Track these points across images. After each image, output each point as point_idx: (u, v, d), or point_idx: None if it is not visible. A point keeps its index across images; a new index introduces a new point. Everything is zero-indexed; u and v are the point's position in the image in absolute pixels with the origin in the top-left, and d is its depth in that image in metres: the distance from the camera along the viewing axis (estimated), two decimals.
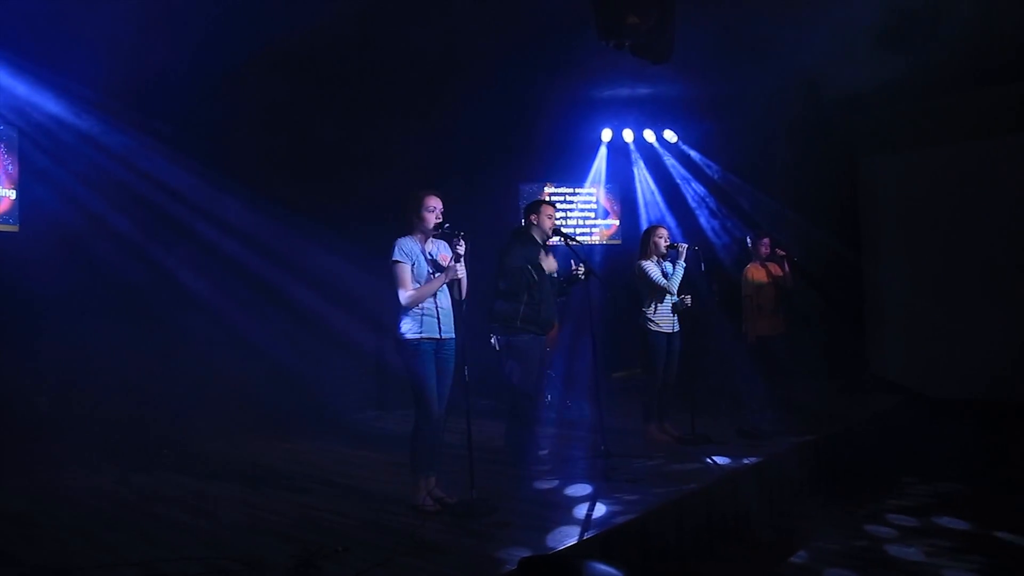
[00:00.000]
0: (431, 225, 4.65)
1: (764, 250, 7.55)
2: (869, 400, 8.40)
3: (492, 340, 5.64)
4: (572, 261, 5.70)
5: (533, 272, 5.47)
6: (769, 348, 7.42)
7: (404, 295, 4.55)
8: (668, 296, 6.44)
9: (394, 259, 4.58)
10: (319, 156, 8.06)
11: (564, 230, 5.83)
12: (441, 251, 4.77)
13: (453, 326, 4.72)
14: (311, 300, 7.63)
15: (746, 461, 5.61)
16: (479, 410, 5.23)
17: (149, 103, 6.65)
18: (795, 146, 9.38)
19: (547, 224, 5.67)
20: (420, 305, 4.58)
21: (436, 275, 4.63)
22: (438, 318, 4.60)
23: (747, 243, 7.75)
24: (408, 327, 4.58)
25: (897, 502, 5.87)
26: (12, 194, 6.36)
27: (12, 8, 5.68)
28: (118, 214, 6.72)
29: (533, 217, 5.74)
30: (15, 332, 6.12)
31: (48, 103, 6.48)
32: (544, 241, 5.68)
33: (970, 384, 8.55)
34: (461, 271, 4.57)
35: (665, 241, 6.54)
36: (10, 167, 6.35)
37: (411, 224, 4.71)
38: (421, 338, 4.57)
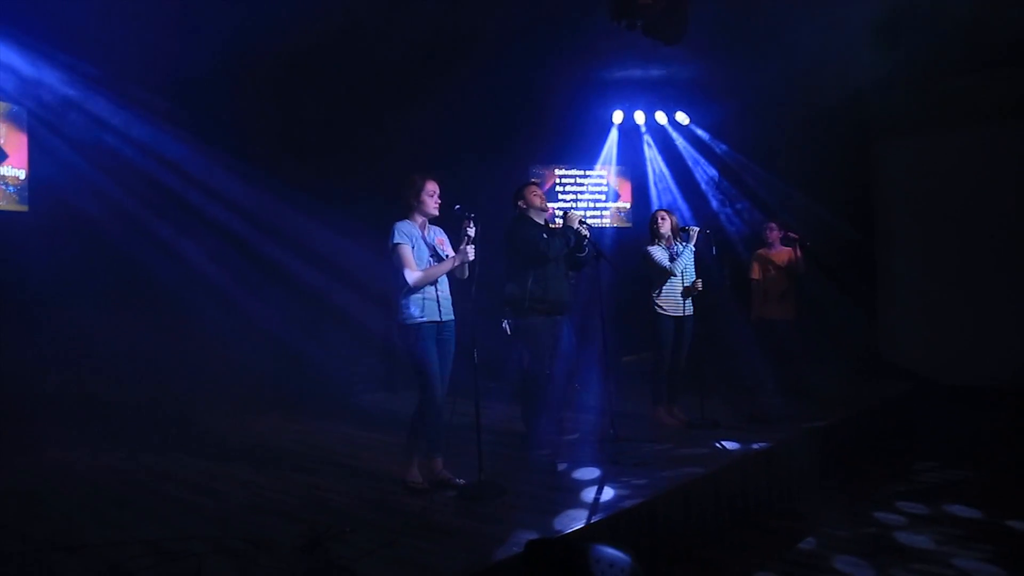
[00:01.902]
0: (431, 209, 4.66)
1: (772, 234, 7.53)
2: (880, 386, 8.35)
3: (504, 324, 5.62)
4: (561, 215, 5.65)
5: (539, 249, 5.44)
6: (776, 332, 7.39)
7: (411, 275, 4.55)
8: (677, 280, 6.40)
9: (395, 242, 4.58)
10: (329, 138, 8.04)
11: (575, 212, 5.76)
12: (437, 235, 4.77)
13: (452, 309, 4.73)
14: (320, 282, 7.65)
15: (755, 446, 5.59)
16: (487, 393, 5.22)
17: (159, 84, 6.63)
18: (807, 129, 9.27)
19: (537, 202, 5.66)
20: (421, 289, 4.58)
21: (434, 260, 4.64)
22: (438, 302, 4.63)
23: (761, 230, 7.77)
24: (410, 311, 4.59)
25: (907, 489, 5.84)
26: (22, 174, 6.35)
27: None
28: (127, 195, 6.73)
29: (521, 203, 5.74)
30: (24, 311, 6.14)
31: (57, 83, 6.47)
32: (545, 222, 5.65)
33: (982, 370, 8.48)
34: (471, 254, 4.56)
35: (666, 222, 6.50)
36: (19, 147, 6.35)
37: (409, 207, 4.71)
38: (423, 322, 4.58)
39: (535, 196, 5.68)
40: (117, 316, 6.59)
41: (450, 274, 4.74)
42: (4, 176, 6.24)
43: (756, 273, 7.55)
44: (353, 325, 8.04)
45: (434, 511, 4.18)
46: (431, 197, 4.67)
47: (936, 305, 9.05)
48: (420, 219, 4.72)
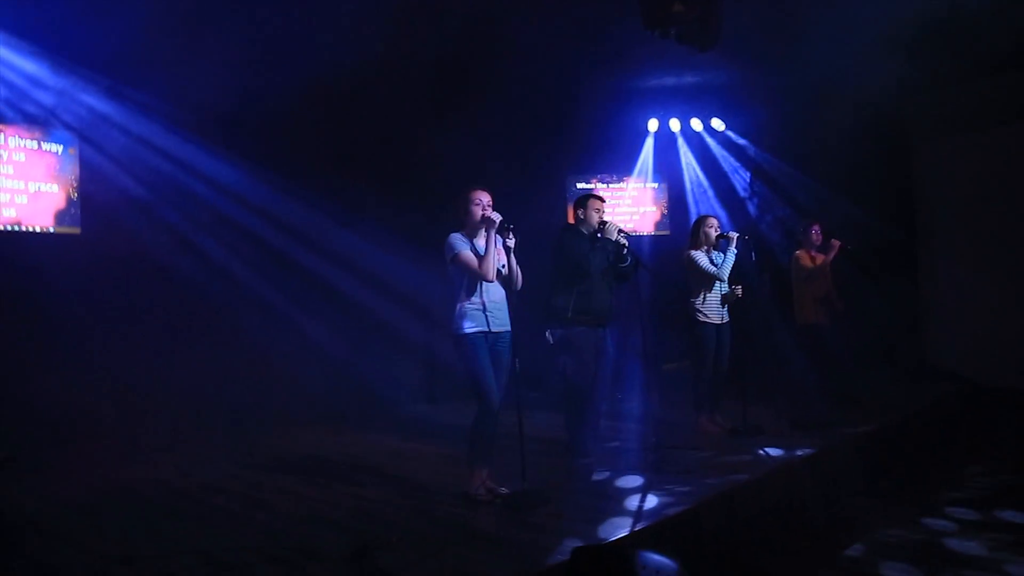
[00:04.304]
0: (477, 218, 4.70)
1: (816, 237, 7.43)
2: (926, 389, 8.21)
3: (547, 335, 5.65)
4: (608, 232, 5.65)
5: (581, 263, 5.47)
6: (820, 337, 7.30)
7: (483, 269, 4.58)
8: (718, 286, 6.38)
9: (455, 252, 4.64)
10: (371, 154, 8.16)
11: (613, 223, 5.75)
12: (496, 245, 4.79)
13: (508, 320, 4.76)
14: (364, 295, 7.74)
15: (800, 452, 5.54)
16: (529, 402, 5.24)
17: (206, 105, 6.77)
18: (846, 131, 9.18)
19: (594, 217, 5.67)
20: (469, 299, 4.64)
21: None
22: (486, 311, 4.65)
23: (799, 231, 7.63)
24: (460, 323, 4.64)
25: (957, 494, 5.74)
26: (74, 197, 6.56)
27: (66, 14, 5.86)
28: (175, 214, 6.89)
29: (580, 212, 5.76)
30: (78, 333, 6.30)
31: (106, 107, 6.66)
32: (592, 234, 5.66)
33: None
34: (496, 217, 4.60)
35: (715, 231, 6.48)
36: (72, 170, 6.56)
37: (461, 222, 4.78)
38: (473, 332, 4.62)
39: (595, 211, 5.69)
40: (168, 334, 6.77)
41: (505, 285, 4.77)
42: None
43: (803, 263, 7.34)
44: (396, 338, 8.14)
45: (479, 520, 4.22)
46: (477, 206, 4.71)
47: (982, 306, 8.87)
48: (471, 231, 4.78)
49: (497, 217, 4.61)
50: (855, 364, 7.73)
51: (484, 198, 4.73)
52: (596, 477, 5.15)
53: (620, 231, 5.58)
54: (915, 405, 7.40)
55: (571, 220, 5.89)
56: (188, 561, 3.73)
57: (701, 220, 6.62)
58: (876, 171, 9.27)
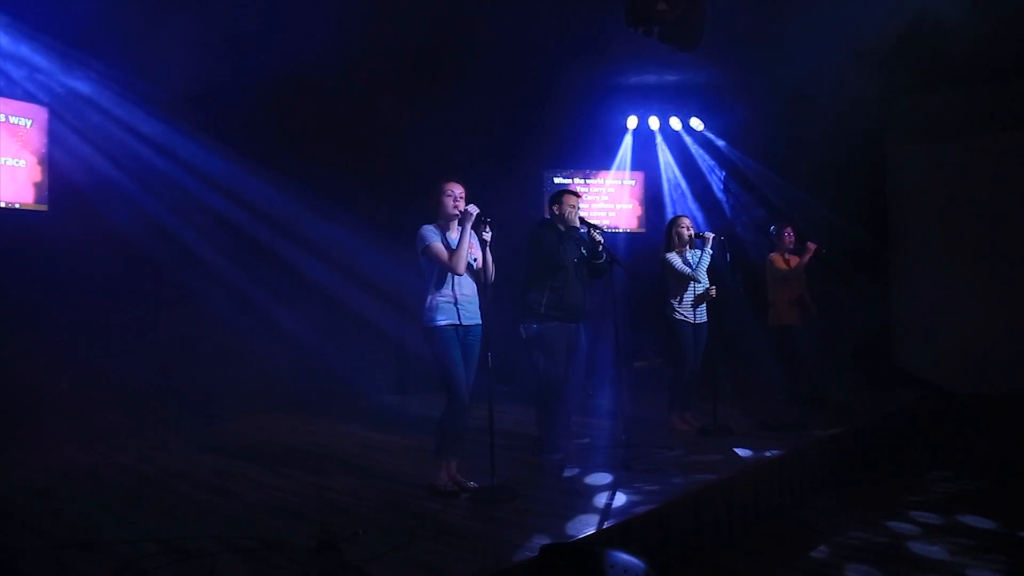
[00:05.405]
0: (449, 210, 4.66)
1: (788, 240, 7.46)
2: (893, 393, 8.30)
3: (521, 330, 5.62)
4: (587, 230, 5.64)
5: (555, 257, 5.45)
6: (791, 339, 7.34)
7: (453, 263, 4.54)
8: (694, 285, 6.39)
9: (427, 244, 4.59)
10: (346, 142, 8.09)
11: (588, 219, 5.77)
12: (471, 239, 4.75)
13: (479, 313, 4.73)
14: (335, 284, 7.69)
15: (768, 453, 5.57)
16: (500, 396, 5.21)
17: (182, 88, 6.67)
18: (822, 135, 9.23)
19: (569, 213, 5.65)
20: (440, 291, 4.60)
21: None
22: (456, 303, 4.62)
23: (771, 233, 7.66)
24: (431, 315, 4.61)
25: (921, 498, 5.80)
26: (43, 173, 6.42)
27: None
28: (146, 195, 6.80)
29: (556, 207, 5.73)
30: (41, 309, 6.19)
31: (78, 82, 6.54)
32: (567, 230, 5.64)
33: (996, 379, 8.42)
34: (473, 209, 4.56)
35: (688, 231, 6.48)
36: (40, 146, 6.42)
37: (435, 213, 4.73)
38: (444, 325, 4.59)
39: (571, 207, 5.66)
40: (134, 314, 6.67)
41: (476, 279, 4.75)
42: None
43: (778, 265, 7.36)
44: (366, 326, 8.08)
45: (447, 514, 4.19)
46: (449, 198, 4.67)
47: (949, 313, 8.99)
48: (443, 222, 4.73)
49: (474, 210, 4.57)
50: (824, 367, 7.78)
51: (456, 190, 4.70)
52: (566, 473, 5.15)
53: (596, 227, 5.57)
54: (882, 409, 7.47)
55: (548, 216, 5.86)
56: (149, 549, 3.67)
57: (674, 221, 6.62)
58: (850, 176, 9.33)
